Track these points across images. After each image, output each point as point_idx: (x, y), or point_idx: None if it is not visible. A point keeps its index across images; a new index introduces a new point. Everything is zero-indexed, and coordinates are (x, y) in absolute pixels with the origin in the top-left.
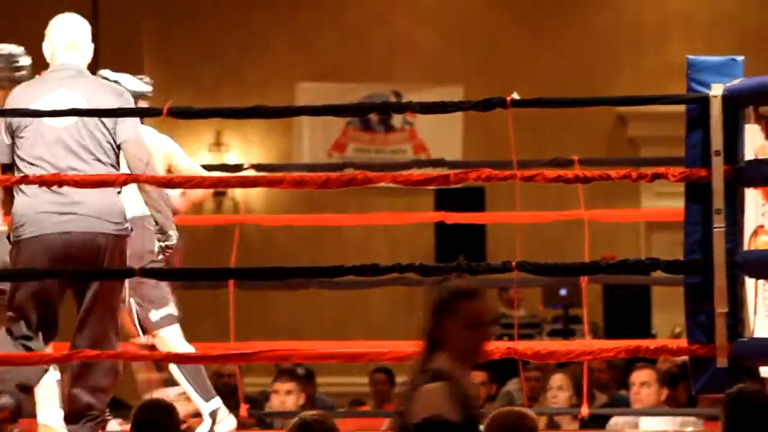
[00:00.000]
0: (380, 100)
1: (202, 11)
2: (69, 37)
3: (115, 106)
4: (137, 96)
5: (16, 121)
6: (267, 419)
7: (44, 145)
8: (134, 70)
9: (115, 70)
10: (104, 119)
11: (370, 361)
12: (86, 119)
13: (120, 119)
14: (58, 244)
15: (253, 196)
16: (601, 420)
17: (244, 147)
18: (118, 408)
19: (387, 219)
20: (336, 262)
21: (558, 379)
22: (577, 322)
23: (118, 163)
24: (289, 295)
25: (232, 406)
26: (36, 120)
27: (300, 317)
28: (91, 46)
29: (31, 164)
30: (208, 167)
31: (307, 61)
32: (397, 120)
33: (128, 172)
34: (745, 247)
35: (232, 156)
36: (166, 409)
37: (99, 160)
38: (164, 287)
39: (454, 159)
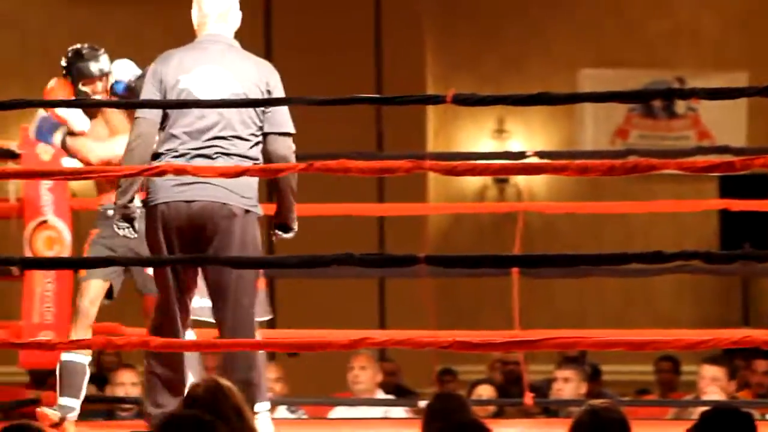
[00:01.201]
0: (663, 87)
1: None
2: (220, 6)
3: (270, 83)
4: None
5: (170, 83)
6: (552, 407)
7: (190, 117)
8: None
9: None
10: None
11: (654, 350)
12: (237, 96)
13: (275, 109)
14: (183, 212)
15: (536, 183)
16: None
17: (527, 134)
18: (403, 395)
19: (671, 206)
20: (619, 249)
21: None
22: None
23: (258, 143)
24: (572, 283)
25: (517, 394)
26: (188, 88)
27: (583, 305)
28: (239, 15)
29: (173, 135)
30: (491, 155)
31: (589, 48)
32: (680, 106)
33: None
34: None
35: (514, 143)
36: (457, 399)
37: (242, 138)
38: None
39: (738, 146)
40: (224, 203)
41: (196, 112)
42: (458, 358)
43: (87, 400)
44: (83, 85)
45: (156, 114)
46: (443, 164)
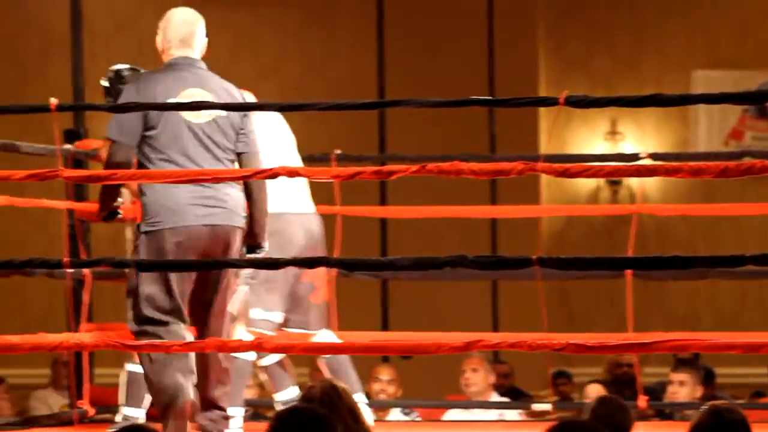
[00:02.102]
0: None
1: (597, 0)
2: (181, 32)
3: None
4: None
5: (152, 112)
6: (666, 410)
7: (183, 140)
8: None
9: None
10: (235, 123)
11: None
12: (220, 119)
13: (249, 130)
14: (204, 236)
15: (649, 185)
16: None
17: (640, 136)
18: (517, 397)
19: None
20: (734, 251)
21: None
22: None
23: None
24: (686, 285)
25: (630, 396)
26: (172, 114)
27: (697, 307)
28: (205, 41)
29: (166, 160)
30: (604, 156)
31: (702, 49)
32: None
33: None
34: None
35: (627, 145)
36: (619, 406)
37: (230, 160)
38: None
39: None
40: (238, 226)
41: (188, 135)
42: (571, 360)
43: None
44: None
45: (134, 138)
46: (556, 166)
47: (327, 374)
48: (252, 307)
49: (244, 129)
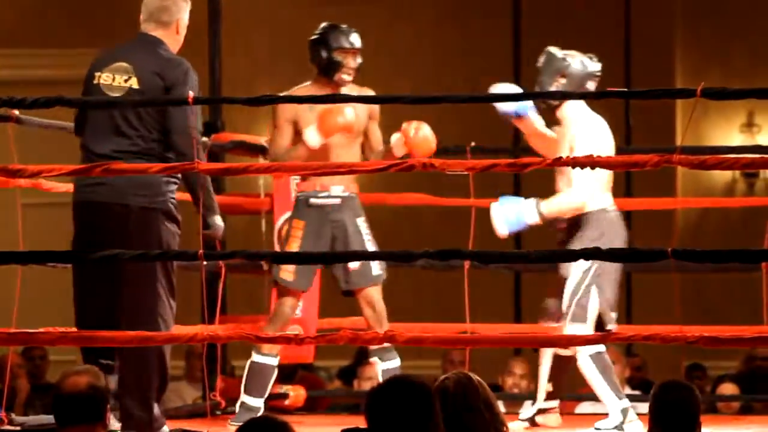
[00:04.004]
0: None
1: None
2: (149, 7)
3: (168, 79)
4: (585, 76)
5: (87, 79)
6: None
7: (104, 115)
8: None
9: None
10: (159, 97)
11: None
12: (141, 90)
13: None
14: (84, 213)
15: None
16: None
17: None
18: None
19: None
20: None
21: None
22: None
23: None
24: None
25: (765, 389)
26: (100, 83)
27: None
28: (177, 18)
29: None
30: (741, 149)
31: None
32: None
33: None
34: None
35: (764, 137)
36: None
37: (139, 136)
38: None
39: None
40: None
41: (104, 110)
42: (705, 353)
43: (333, 393)
44: (336, 54)
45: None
46: (692, 158)
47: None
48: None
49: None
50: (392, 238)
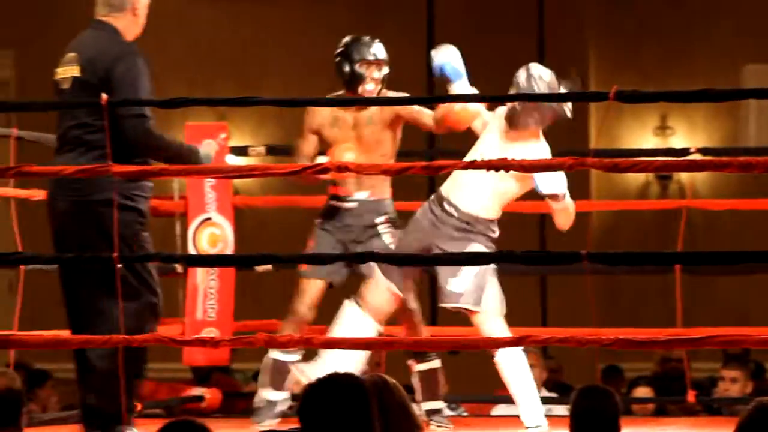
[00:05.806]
0: None
1: None
2: None
3: (108, 69)
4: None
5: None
6: (714, 405)
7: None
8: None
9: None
10: (99, 79)
11: None
12: (83, 78)
13: (119, 84)
14: (48, 212)
15: (699, 180)
16: None
17: (690, 131)
18: (566, 393)
19: None
20: None
21: None
22: None
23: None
24: (736, 281)
25: (679, 391)
26: (55, 84)
27: (747, 303)
28: (131, 1)
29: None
30: (654, 152)
31: (753, 44)
32: None
33: None
34: None
35: (677, 140)
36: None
37: (88, 124)
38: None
39: None
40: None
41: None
42: (621, 355)
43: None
44: (360, 66)
45: None
46: (606, 161)
47: None
48: None
49: (113, 85)
50: None
